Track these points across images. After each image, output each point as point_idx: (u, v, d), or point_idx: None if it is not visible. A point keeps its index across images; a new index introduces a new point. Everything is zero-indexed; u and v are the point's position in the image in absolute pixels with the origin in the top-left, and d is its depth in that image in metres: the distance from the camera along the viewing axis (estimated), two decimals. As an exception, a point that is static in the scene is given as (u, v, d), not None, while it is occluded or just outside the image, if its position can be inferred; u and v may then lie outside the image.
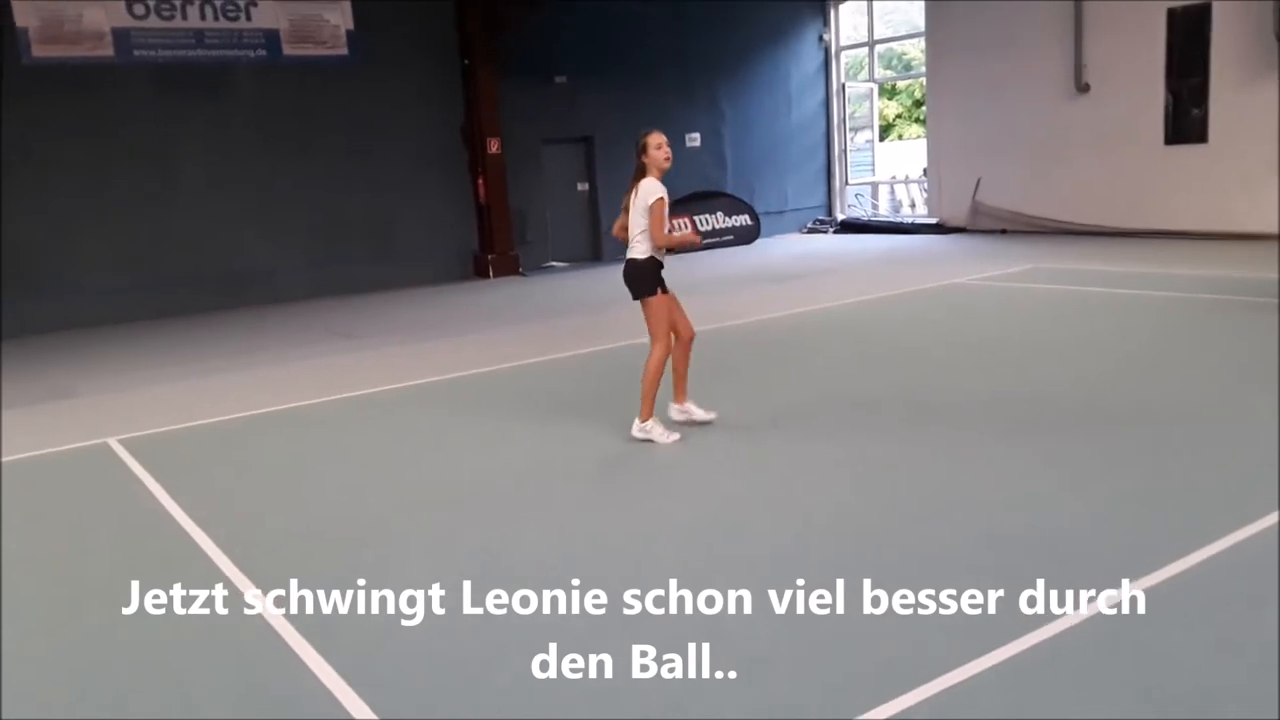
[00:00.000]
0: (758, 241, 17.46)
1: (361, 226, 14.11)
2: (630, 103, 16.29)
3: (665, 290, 5.40)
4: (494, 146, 14.64)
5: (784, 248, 16.43)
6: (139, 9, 12.29)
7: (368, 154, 14.03)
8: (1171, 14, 13.51)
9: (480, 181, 14.80)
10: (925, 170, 17.73)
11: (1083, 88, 14.58)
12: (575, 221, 16.32)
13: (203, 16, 12.69)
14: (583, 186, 16.43)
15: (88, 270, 12.26)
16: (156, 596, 3.95)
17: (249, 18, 12.99)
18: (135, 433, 6.55)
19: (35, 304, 11.91)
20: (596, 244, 16.36)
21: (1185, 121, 13.62)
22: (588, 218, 16.43)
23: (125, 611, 3.82)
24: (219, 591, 3.89)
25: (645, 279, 5.38)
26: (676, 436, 5.47)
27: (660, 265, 5.40)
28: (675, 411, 5.71)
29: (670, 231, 5.46)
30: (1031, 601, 3.26)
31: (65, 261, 12.09)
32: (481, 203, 14.89)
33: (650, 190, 5.28)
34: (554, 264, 15.83)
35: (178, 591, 3.97)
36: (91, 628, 3.71)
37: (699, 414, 5.69)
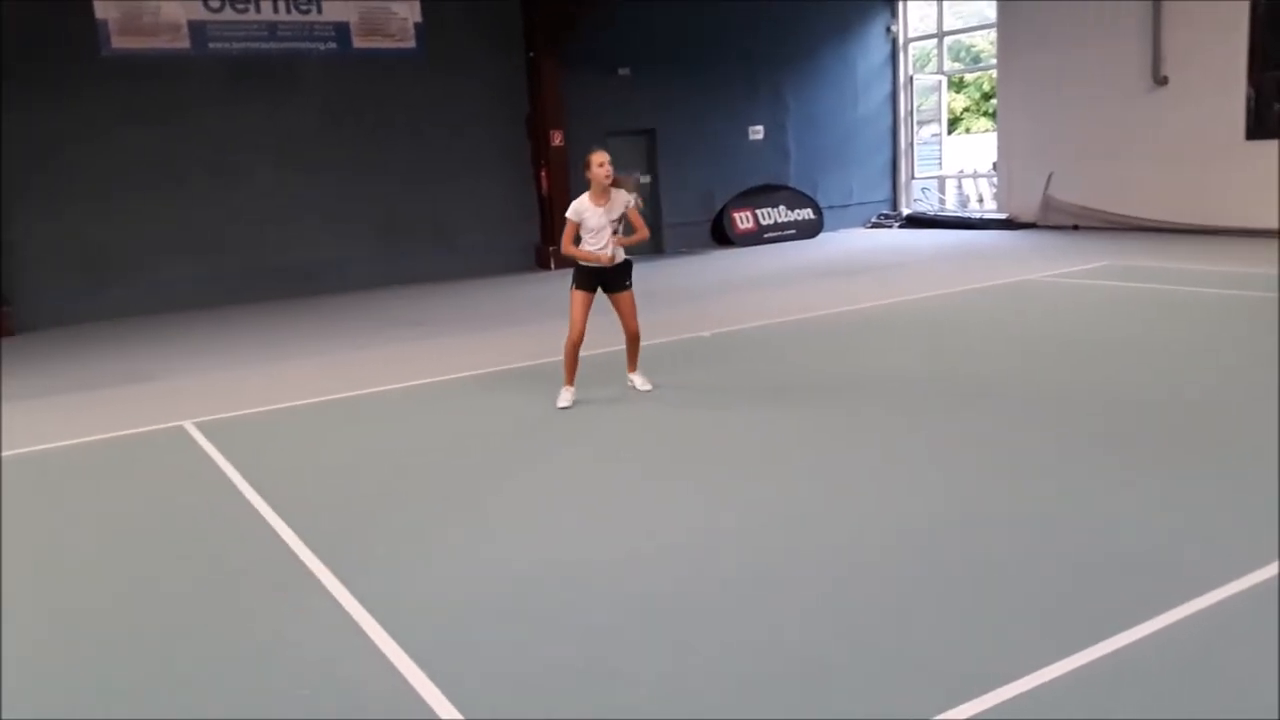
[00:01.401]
0: (820, 236, 17.29)
1: (427, 217, 14.26)
2: (693, 95, 16.23)
3: (583, 288, 6.20)
4: (557, 139, 14.68)
5: (848, 242, 16.24)
6: (214, 2, 12.54)
7: (433, 146, 14.17)
8: (1255, 5, 13.03)
9: (543, 173, 14.86)
10: (994, 164, 17.38)
11: (1161, 80, 14.16)
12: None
13: (275, 9, 12.91)
14: (644, 179, 16.40)
15: (163, 257, 12.55)
16: (228, 576, 4.03)
17: (320, 10, 13.19)
18: (209, 416, 6.70)
19: (113, 289, 12.25)
20: (658, 236, 16.31)
21: (1268, 116, 13.14)
22: (648, 210, 16.35)
23: (195, 590, 3.91)
24: (290, 571, 3.95)
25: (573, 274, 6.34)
26: (563, 403, 6.27)
27: (582, 269, 6.22)
28: (628, 382, 6.65)
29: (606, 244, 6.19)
30: (1102, 607, 3.18)
31: (142, 248, 12.40)
32: (544, 194, 14.95)
33: (568, 209, 6.18)
34: (615, 256, 15.81)
35: (248, 571, 4.05)
36: (160, 606, 3.79)
37: (638, 383, 6.59)
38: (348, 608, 3.57)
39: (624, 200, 6.16)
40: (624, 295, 6.32)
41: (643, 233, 6.25)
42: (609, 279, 6.28)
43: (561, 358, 6.38)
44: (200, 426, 6.42)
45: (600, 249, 6.12)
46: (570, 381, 6.36)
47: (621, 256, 6.27)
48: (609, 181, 6.10)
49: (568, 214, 6.17)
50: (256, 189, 13.06)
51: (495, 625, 3.40)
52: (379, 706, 2.92)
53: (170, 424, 6.55)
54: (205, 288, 12.75)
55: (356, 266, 13.79)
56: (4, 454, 6.05)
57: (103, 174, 12.10)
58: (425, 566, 3.98)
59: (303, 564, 4.03)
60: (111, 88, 12.05)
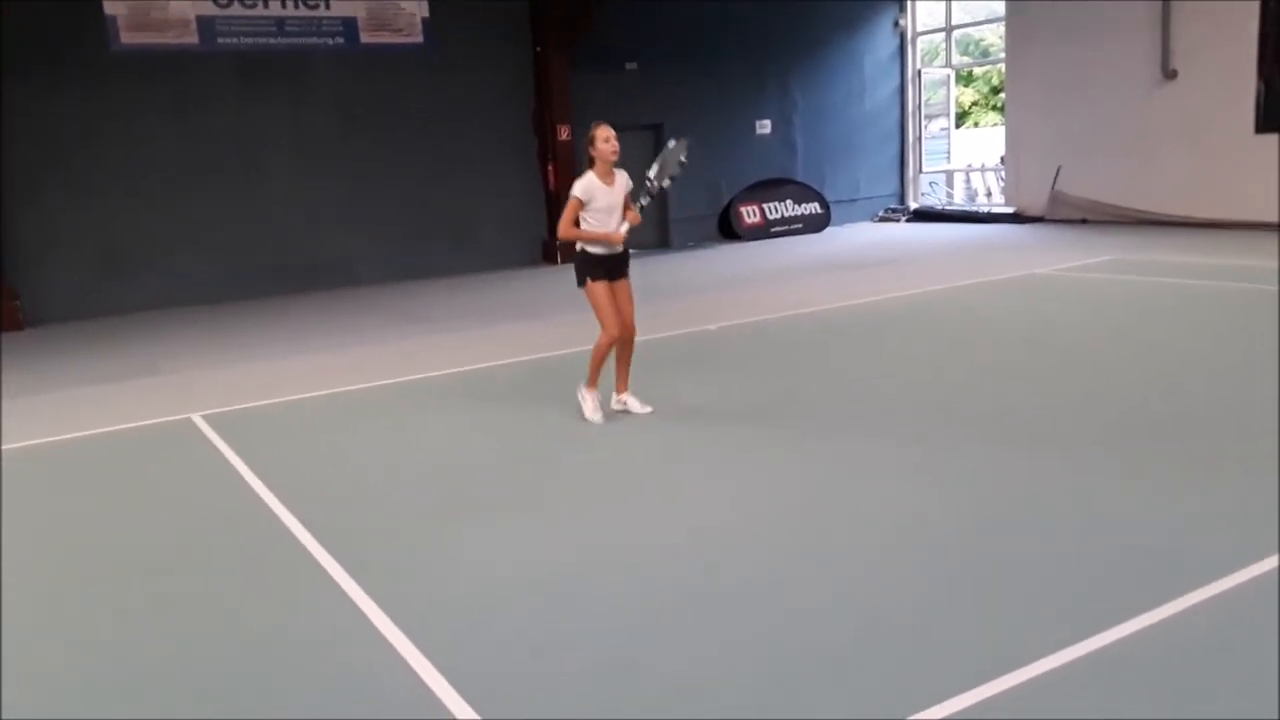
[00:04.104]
0: (827, 230, 17.27)
1: (434, 213, 14.28)
2: (700, 90, 16.22)
3: (600, 279, 5.62)
4: (564, 134, 14.69)
5: (855, 236, 16.22)
6: (222, -3, 12.60)
7: (440, 141, 14.18)
8: (1266, -2, 12.98)
9: (550, 169, 14.87)
10: (1003, 158, 17.34)
11: (1170, 74, 14.10)
12: (644, 209, 16.25)
13: (283, 5, 12.94)
14: (651, 173, 16.36)
15: (175, 252, 12.60)
16: (234, 569, 4.06)
17: (328, 6, 13.21)
18: (218, 409, 6.74)
19: (124, 284, 12.30)
20: (665, 231, 16.32)
21: (1277, 110, 13.08)
22: (656, 205, 16.27)
23: (202, 581, 3.94)
24: (295, 562, 3.99)
25: (577, 269, 5.71)
26: (598, 418, 5.77)
27: (594, 257, 5.63)
28: (614, 402, 5.95)
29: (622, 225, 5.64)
30: (1107, 604, 3.20)
31: (154, 243, 12.45)
32: (551, 190, 14.96)
33: (574, 187, 5.55)
34: (622, 251, 15.81)
35: (253, 561, 4.08)
36: (167, 597, 3.82)
37: (633, 405, 5.89)
38: (355, 599, 3.60)
39: (625, 181, 5.68)
40: (625, 283, 5.76)
41: (635, 216, 5.66)
42: (617, 266, 5.72)
43: (589, 361, 5.81)
44: (208, 419, 6.46)
45: (615, 230, 5.58)
46: (595, 384, 5.84)
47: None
48: (615, 158, 5.54)
49: (575, 192, 5.52)
50: (269, 184, 13.11)
51: (502, 620, 3.42)
52: (389, 700, 2.95)
53: (178, 416, 6.59)
54: (217, 283, 12.79)
55: (367, 261, 13.83)
56: (9, 447, 6.11)
57: (114, 169, 12.15)
58: (430, 559, 4.01)
59: (309, 554, 4.05)
60: (123, 83, 12.10)
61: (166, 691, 3.05)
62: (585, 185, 5.53)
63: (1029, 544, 3.73)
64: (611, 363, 5.89)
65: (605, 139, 5.50)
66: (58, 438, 6.28)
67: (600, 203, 5.55)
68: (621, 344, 5.79)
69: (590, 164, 5.58)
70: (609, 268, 5.67)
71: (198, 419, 6.48)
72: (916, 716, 2.60)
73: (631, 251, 5.83)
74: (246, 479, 5.14)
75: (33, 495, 5.23)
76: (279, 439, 6.05)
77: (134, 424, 6.51)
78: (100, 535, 4.55)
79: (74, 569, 4.15)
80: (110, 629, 3.55)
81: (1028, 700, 2.68)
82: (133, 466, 5.65)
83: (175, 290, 12.54)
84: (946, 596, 3.34)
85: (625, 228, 5.62)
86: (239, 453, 5.62)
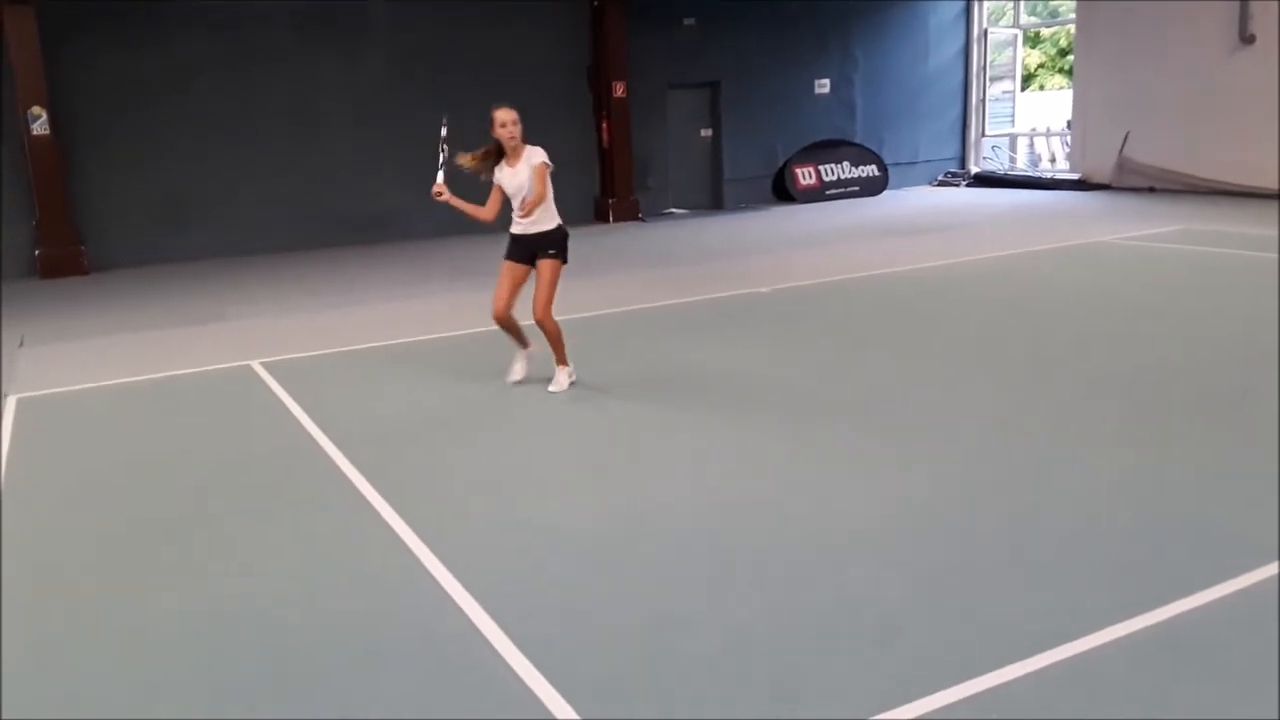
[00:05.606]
0: (884, 193, 16.98)
1: (488, 167, 14.25)
2: (759, 47, 15.95)
3: (508, 258, 5.66)
4: (619, 90, 14.56)
5: (912, 200, 15.93)
6: (284, -52, 12.61)
7: (494, 96, 13.96)
8: (1356, -44, 12.40)
9: (604, 125, 14.77)
10: (1069, 122, 16.86)
11: (1248, 38, 13.57)
12: (697, 168, 16.16)
13: (343, -44, 12.93)
14: (706, 133, 16.23)
15: (236, 201, 12.76)
16: (292, 511, 4.15)
17: (387, -43, 13.18)
18: (276, 356, 6.85)
19: (186, 232, 12.50)
20: (718, 192, 16.18)
21: (1363, 75, 12.55)
22: (710, 165, 16.24)
23: (260, 524, 4.04)
24: (351, 508, 4.06)
25: None
26: (507, 379, 5.79)
27: (510, 236, 5.67)
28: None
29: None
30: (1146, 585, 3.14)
31: (215, 192, 12.62)
32: (604, 146, 14.88)
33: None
34: (674, 211, 15.73)
35: (312, 507, 4.17)
36: (226, 540, 3.92)
37: (552, 384, 5.66)
38: (406, 540, 3.67)
39: (529, 160, 5.46)
40: (542, 263, 5.55)
41: (533, 198, 5.37)
42: (534, 247, 5.57)
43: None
44: (267, 366, 6.58)
45: (520, 214, 5.51)
46: (523, 345, 5.80)
47: (551, 224, 5.56)
48: (513, 143, 5.44)
49: (493, 181, 5.61)
50: (328, 136, 13.20)
51: (551, 564, 3.47)
52: (436, 631, 3.01)
53: (238, 363, 6.72)
54: (275, 233, 12.95)
55: (422, 215, 13.85)
56: (73, 388, 6.29)
57: (175, 119, 12.31)
58: (477, 504, 4.06)
59: (363, 497, 4.13)
60: (184, 35, 12.22)
61: (215, 617, 3.14)
62: (496, 171, 5.57)
63: (1072, 521, 3.68)
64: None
65: (501, 124, 5.46)
66: (123, 380, 6.44)
67: (508, 185, 5.54)
68: (539, 326, 5.58)
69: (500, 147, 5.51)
70: (520, 248, 5.61)
71: (257, 365, 6.60)
72: (965, 683, 2.60)
73: (566, 231, 5.69)
74: (304, 424, 5.24)
75: (100, 433, 5.38)
76: (336, 386, 6.14)
77: (195, 369, 6.65)
78: (161, 470, 4.67)
79: (131, 501, 4.27)
80: (161, 557, 3.66)
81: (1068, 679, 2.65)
82: (195, 408, 5.79)
83: (234, 239, 12.72)
84: (985, 570, 3.32)
85: (516, 210, 5.56)
86: (295, 397, 5.72)
